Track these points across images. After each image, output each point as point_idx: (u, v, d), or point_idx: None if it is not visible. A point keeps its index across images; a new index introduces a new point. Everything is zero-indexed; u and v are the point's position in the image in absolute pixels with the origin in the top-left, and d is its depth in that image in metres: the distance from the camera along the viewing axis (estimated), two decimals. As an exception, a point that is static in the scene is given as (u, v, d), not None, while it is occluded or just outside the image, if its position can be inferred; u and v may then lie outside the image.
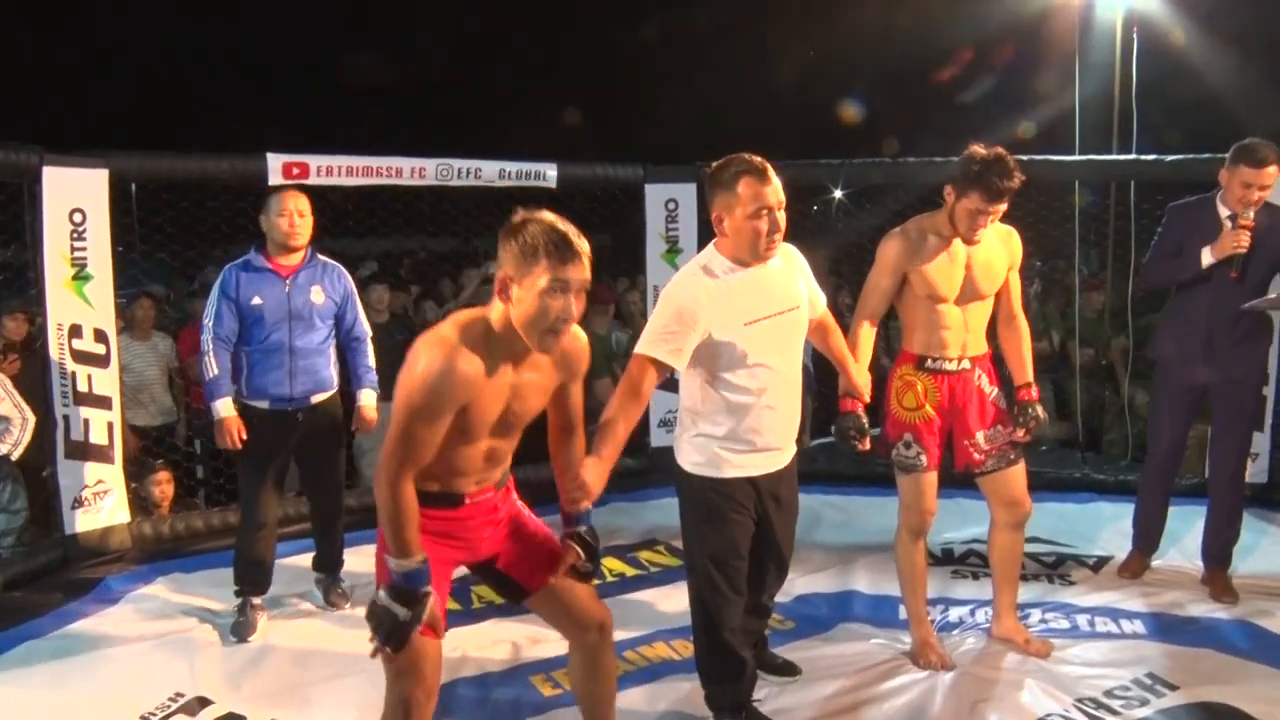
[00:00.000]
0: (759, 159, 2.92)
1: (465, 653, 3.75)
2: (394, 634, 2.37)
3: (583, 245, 2.39)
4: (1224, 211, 4.03)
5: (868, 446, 3.47)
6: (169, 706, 3.45)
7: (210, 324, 4.05)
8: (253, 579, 4.14)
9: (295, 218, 4.06)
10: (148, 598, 4.42)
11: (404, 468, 2.37)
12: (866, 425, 3.46)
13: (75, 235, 4.68)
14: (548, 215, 2.41)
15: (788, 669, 3.55)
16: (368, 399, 4.33)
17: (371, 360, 4.34)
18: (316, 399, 4.18)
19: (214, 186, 5.56)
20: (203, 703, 3.47)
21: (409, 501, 2.40)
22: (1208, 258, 3.98)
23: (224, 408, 4.04)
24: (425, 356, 2.36)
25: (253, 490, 4.13)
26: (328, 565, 4.42)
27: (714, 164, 2.99)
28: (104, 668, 3.73)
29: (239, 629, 4.01)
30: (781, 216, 2.92)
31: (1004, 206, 3.35)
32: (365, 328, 4.36)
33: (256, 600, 4.12)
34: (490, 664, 3.71)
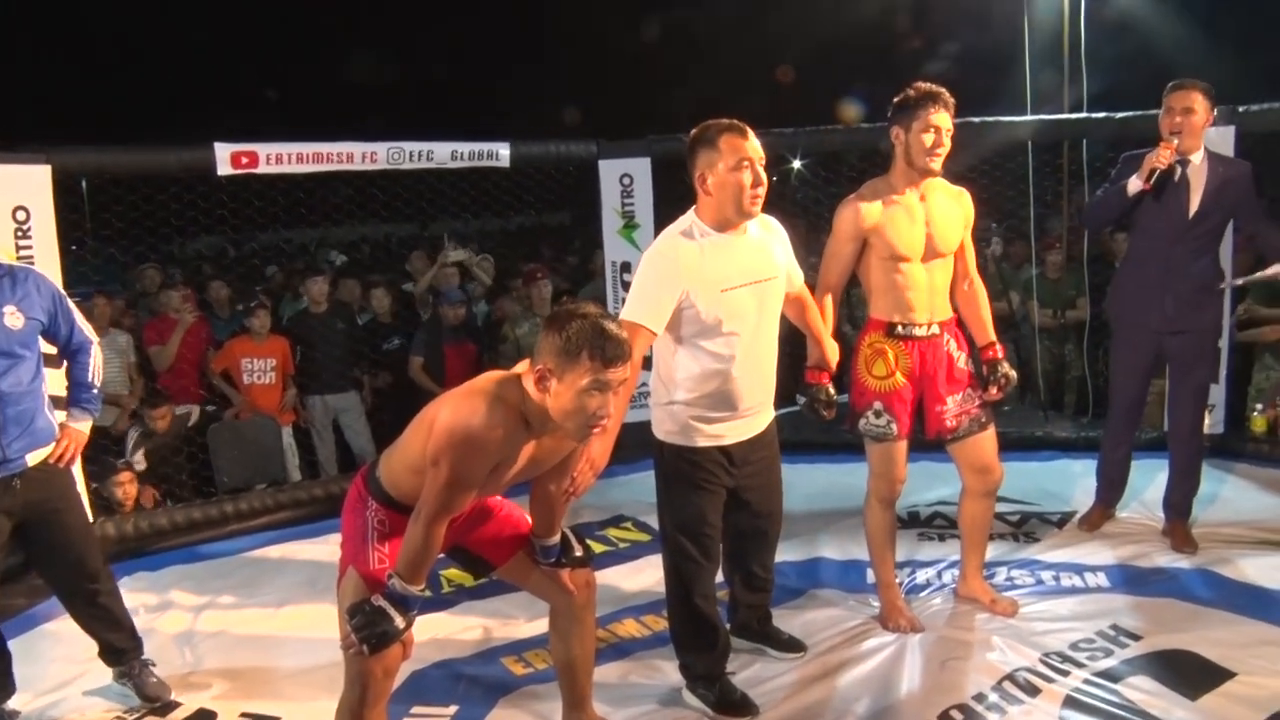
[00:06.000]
0: (738, 121, 3.00)
1: (436, 637, 3.74)
2: (379, 637, 2.45)
3: (624, 346, 2.42)
4: None
5: (832, 415, 3.48)
6: (141, 709, 3.42)
7: None
8: None
9: None
10: (113, 598, 4.36)
11: (443, 515, 2.47)
12: (834, 395, 3.47)
13: (20, 234, 4.57)
14: (593, 310, 2.44)
15: (793, 645, 3.53)
16: (76, 421, 3.41)
17: (91, 374, 3.44)
18: (34, 458, 3.27)
19: (163, 179, 5.48)
20: (170, 705, 3.44)
21: (437, 543, 2.50)
22: (1134, 185, 4.07)
23: None
24: (474, 419, 2.40)
25: None
26: (114, 651, 3.49)
27: (695, 129, 3.04)
28: (70, 671, 3.68)
29: None
30: (763, 173, 2.97)
31: (950, 122, 3.37)
32: (86, 334, 3.44)
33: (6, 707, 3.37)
34: (462, 647, 3.71)
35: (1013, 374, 3.59)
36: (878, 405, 3.53)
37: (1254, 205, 4.17)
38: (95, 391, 3.48)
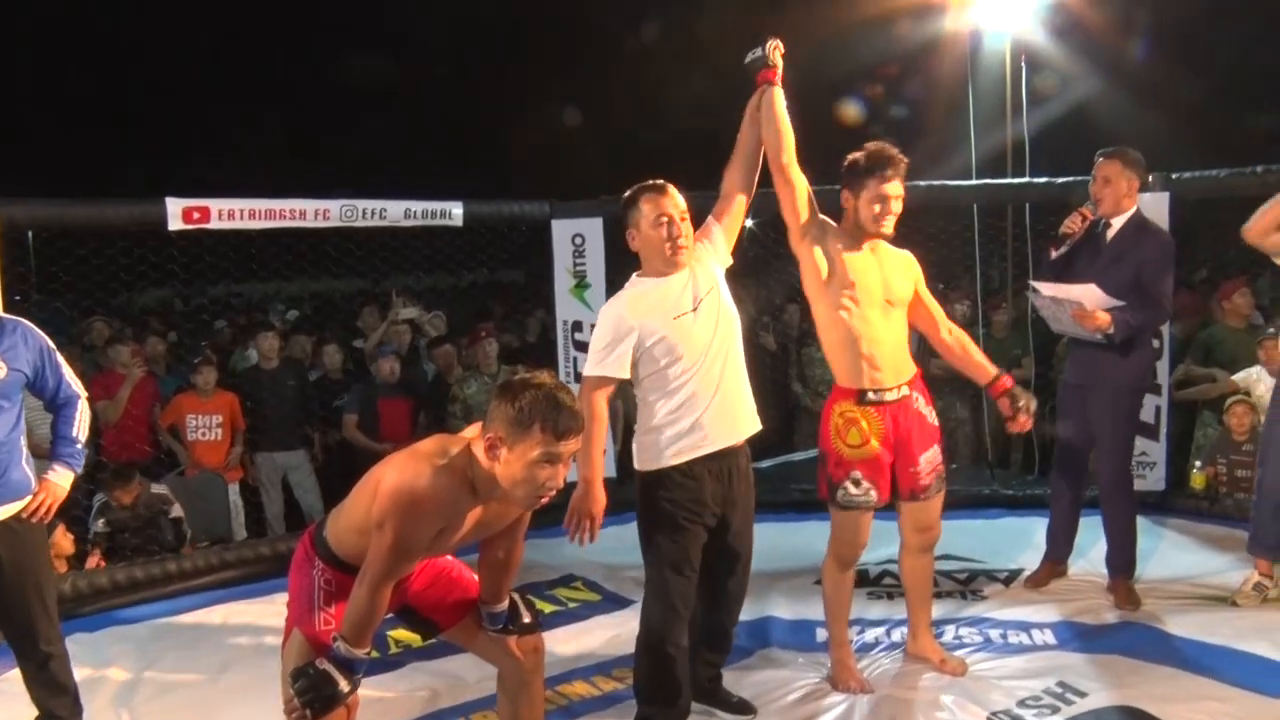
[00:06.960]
0: (659, 181, 3.24)
1: (384, 698, 3.68)
2: (323, 701, 2.42)
3: (578, 419, 2.41)
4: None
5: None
6: (72, 774, 3.33)
7: None
8: None
9: None
10: (49, 661, 4.23)
11: (388, 579, 2.46)
12: None
13: (-38, 286, 4.52)
14: (546, 380, 2.42)
15: (743, 708, 3.50)
16: (57, 475, 3.36)
17: (76, 429, 3.41)
18: (5, 511, 3.23)
19: (112, 233, 5.43)
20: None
21: (382, 606, 2.49)
22: (1053, 252, 4.29)
23: None
24: (419, 483, 2.40)
25: None
26: (54, 719, 3.41)
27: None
28: (2, 737, 3.59)
29: None
30: (685, 225, 3.17)
31: (901, 188, 3.40)
32: (74, 388, 3.44)
33: None
34: (409, 709, 3.64)
35: (1032, 400, 3.53)
36: (856, 474, 3.46)
37: (1153, 270, 4.15)
38: (79, 446, 3.44)
